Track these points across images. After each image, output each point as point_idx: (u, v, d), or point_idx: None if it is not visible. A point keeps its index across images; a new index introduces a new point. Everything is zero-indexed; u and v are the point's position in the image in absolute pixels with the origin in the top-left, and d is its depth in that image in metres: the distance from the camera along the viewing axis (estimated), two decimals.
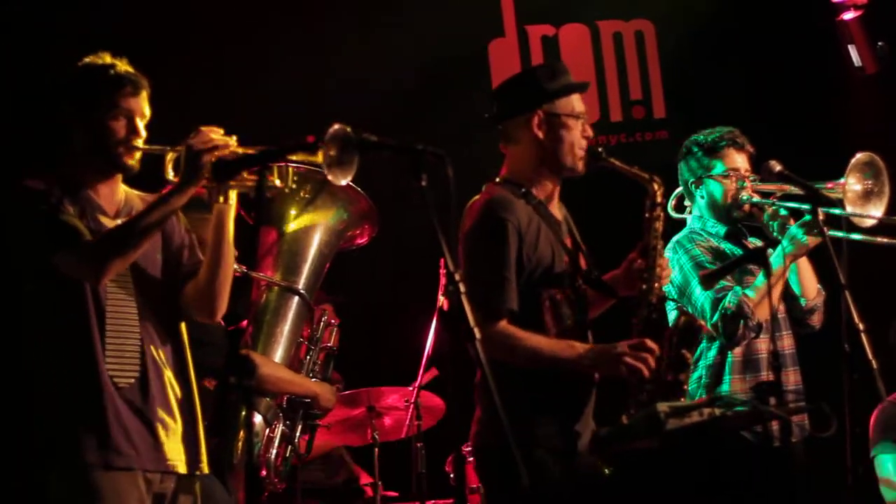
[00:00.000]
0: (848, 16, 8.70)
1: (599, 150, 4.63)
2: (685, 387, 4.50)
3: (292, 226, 6.16)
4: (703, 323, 4.55)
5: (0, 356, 6.36)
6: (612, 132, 8.78)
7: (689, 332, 4.51)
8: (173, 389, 4.34)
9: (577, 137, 4.60)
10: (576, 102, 4.64)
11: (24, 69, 7.49)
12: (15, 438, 4.32)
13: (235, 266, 5.39)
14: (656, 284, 4.51)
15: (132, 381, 4.22)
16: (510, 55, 8.87)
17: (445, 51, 8.56)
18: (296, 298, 6.06)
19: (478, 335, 3.47)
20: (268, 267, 6.12)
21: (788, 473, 5.18)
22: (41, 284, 4.23)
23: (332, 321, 6.43)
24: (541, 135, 4.60)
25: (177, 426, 4.32)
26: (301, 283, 6.09)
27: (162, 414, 4.27)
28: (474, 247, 4.53)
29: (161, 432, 4.25)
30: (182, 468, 4.31)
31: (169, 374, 4.33)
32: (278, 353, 5.98)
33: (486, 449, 4.44)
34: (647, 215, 4.60)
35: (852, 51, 8.75)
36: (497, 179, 4.68)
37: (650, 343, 4.38)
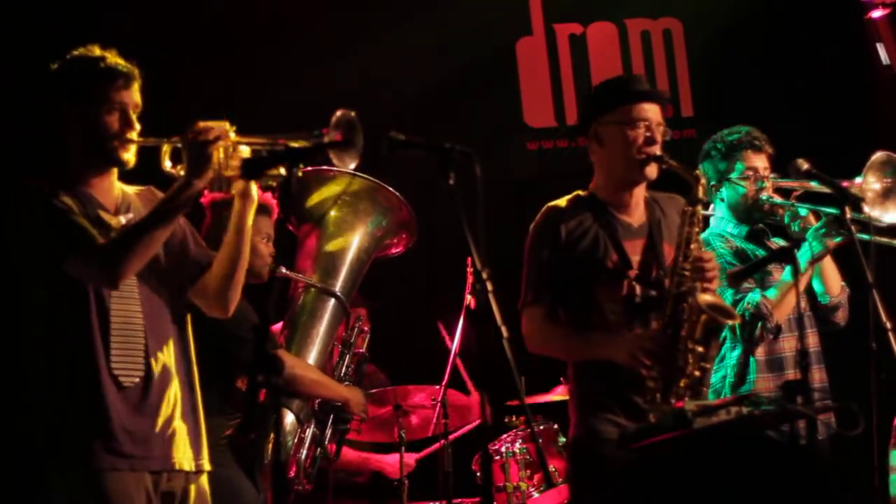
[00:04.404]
0: (876, 14, 8.69)
1: (659, 154, 4.65)
2: (703, 378, 4.50)
3: (331, 229, 6.17)
4: (722, 319, 4.54)
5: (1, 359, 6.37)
6: None
7: (707, 328, 4.51)
8: (176, 387, 4.30)
9: (636, 144, 4.65)
10: (638, 110, 4.68)
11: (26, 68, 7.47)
12: (19, 443, 4.24)
13: (274, 266, 5.43)
14: (688, 274, 4.54)
15: (136, 380, 4.18)
16: (538, 54, 8.87)
17: (473, 49, 8.56)
18: (332, 301, 6.07)
19: (505, 334, 3.50)
20: (306, 269, 6.13)
21: (814, 471, 5.18)
22: (45, 286, 4.15)
23: (364, 327, 6.44)
24: (601, 145, 4.74)
25: (181, 424, 4.29)
26: (338, 286, 6.10)
27: (166, 412, 4.24)
28: (525, 255, 4.76)
29: (165, 431, 4.23)
30: (188, 465, 4.29)
31: (173, 372, 4.30)
32: (312, 355, 5.99)
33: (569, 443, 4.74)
34: (686, 208, 4.64)
35: (880, 49, 8.73)
36: (580, 192, 4.83)
37: (661, 335, 4.46)
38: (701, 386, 4.48)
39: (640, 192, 4.78)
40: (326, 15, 8.40)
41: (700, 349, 4.47)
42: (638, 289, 4.64)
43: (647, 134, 4.66)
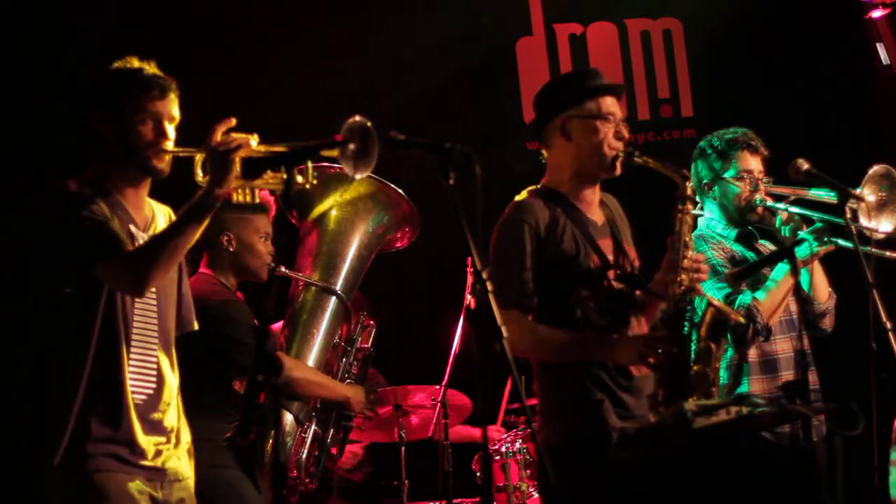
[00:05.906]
0: (876, 14, 8.68)
1: (630, 149, 4.61)
2: (713, 378, 4.49)
3: (332, 227, 6.16)
4: (731, 316, 4.53)
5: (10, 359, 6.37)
6: (640, 130, 8.76)
7: (716, 325, 4.50)
8: (176, 397, 4.36)
9: (607, 139, 4.60)
10: (605, 104, 4.63)
11: (46, 71, 7.52)
12: (26, 445, 4.24)
13: (274, 265, 5.44)
14: (683, 276, 4.50)
15: (149, 393, 4.24)
16: (538, 54, 8.87)
17: (473, 49, 8.58)
18: (333, 299, 6.06)
19: (505, 333, 3.50)
20: (307, 267, 6.12)
21: (812, 473, 5.19)
22: (68, 289, 4.16)
23: (368, 323, 6.44)
24: (567, 139, 4.64)
25: (181, 434, 4.36)
26: (339, 284, 6.09)
27: (168, 424, 4.30)
28: (495, 251, 4.60)
29: (167, 443, 4.28)
30: (183, 474, 4.35)
31: (172, 384, 4.34)
32: (313, 354, 5.97)
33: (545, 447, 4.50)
34: (679, 207, 4.60)
35: (880, 49, 8.73)
36: (537, 186, 4.71)
37: (666, 335, 4.40)
38: (711, 386, 4.45)
39: (598, 190, 4.74)
40: (327, 15, 8.40)
41: (712, 347, 4.46)
42: (619, 288, 4.60)
43: (617, 129, 4.63)
